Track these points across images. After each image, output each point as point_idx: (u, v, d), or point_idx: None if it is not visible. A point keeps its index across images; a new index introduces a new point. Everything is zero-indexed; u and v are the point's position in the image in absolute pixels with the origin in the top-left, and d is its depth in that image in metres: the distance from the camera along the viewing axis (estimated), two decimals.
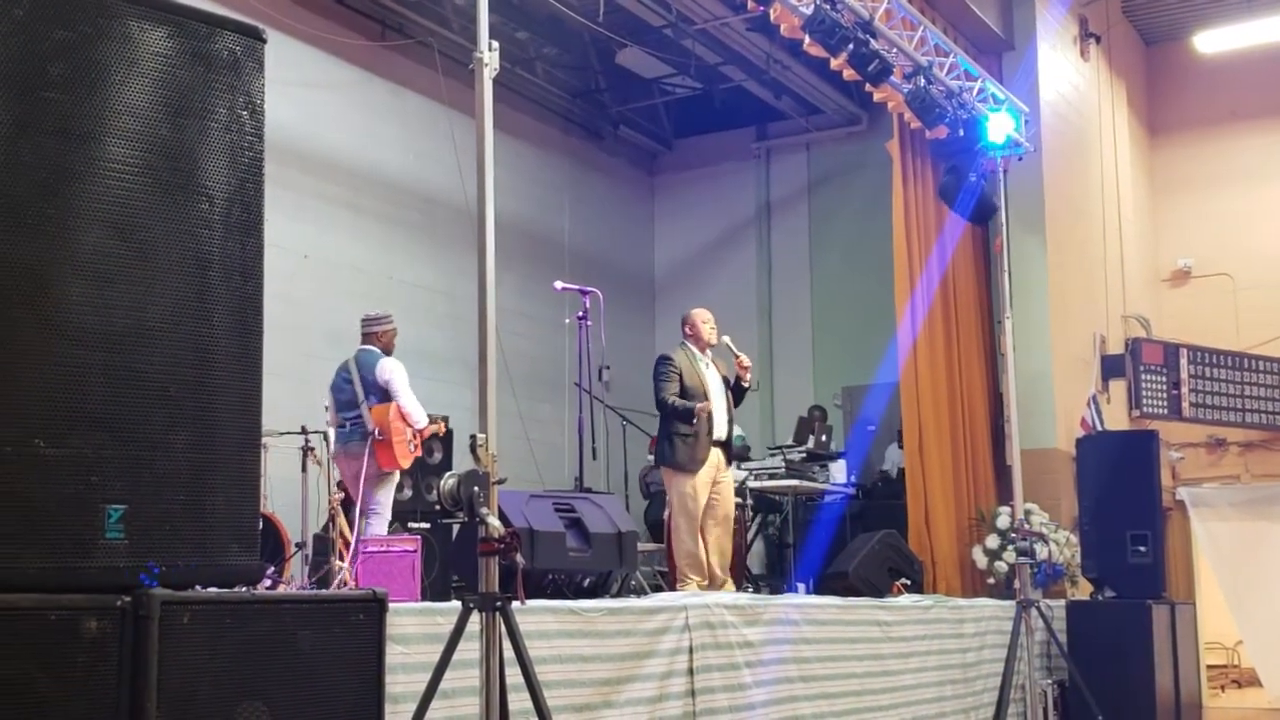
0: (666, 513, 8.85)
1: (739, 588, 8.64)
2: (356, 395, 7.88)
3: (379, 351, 8.05)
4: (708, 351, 8.07)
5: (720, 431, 7.90)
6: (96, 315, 3.07)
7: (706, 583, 7.76)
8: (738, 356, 8.09)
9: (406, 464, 7.91)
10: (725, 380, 8.08)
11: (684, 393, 7.80)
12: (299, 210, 10.49)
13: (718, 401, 7.91)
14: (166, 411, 3.17)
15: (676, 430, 7.78)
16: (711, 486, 7.87)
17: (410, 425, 7.87)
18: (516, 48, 12.60)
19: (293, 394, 9.05)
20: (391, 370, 7.93)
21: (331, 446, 8.03)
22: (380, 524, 7.75)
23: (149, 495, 3.11)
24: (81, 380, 3.03)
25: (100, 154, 3.11)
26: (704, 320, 8.09)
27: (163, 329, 3.19)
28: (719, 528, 7.93)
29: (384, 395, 7.88)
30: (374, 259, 11.44)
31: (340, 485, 8.18)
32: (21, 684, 2.81)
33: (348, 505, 8.03)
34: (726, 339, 8.17)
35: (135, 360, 3.13)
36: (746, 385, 8.20)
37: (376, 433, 7.72)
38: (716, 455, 7.89)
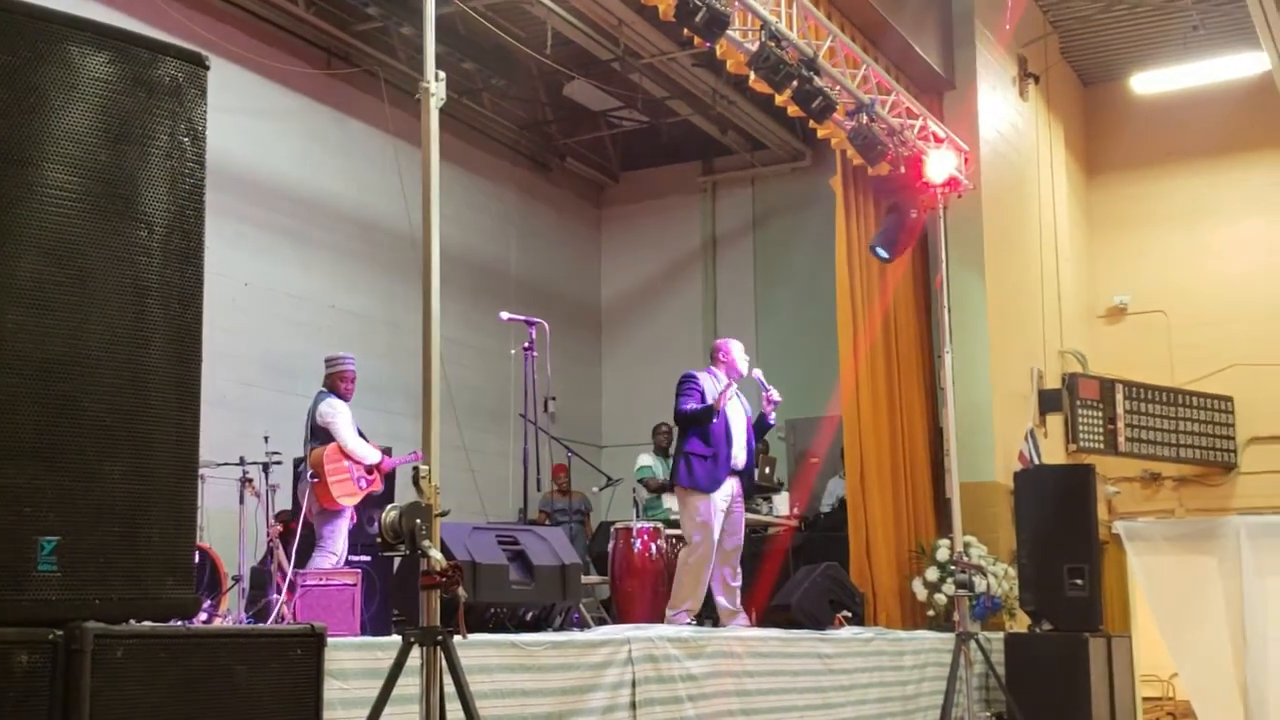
0: (611, 544, 8.82)
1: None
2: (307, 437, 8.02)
3: (326, 393, 8.15)
4: (733, 385, 8.03)
5: (737, 461, 7.88)
6: (32, 342, 3.01)
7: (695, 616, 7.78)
8: (766, 390, 8.05)
9: (349, 501, 7.95)
10: (748, 413, 8.09)
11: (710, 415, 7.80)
12: (240, 238, 10.42)
13: (738, 431, 7.90)
14: (102, 441, 3.11)
15: (694, 450, 7.76)
16: (725, 516, 7.85)
17: (359, 463, 7.92)
18: (464, 78, 12.60)
19: (231, 424, 8.97)
20: (330, 413, 8.00)
21: None
22: (324, 558, 7.75)
23: (83, 527, 3.05)
24: (15, 409, 2.97)
25: (38, 179, 3.07)
26: (738, 350, 8.11)
27: (99, 357, 3.14)
28: (727, 560, 7.92)
29: (328, 436, 7.95)
30: (316, 288, 11.36)
31: (278, 518, 8.14)
32: None
33: (286, 538, 7.97)
34: (757, 372, 8.17)
35: (71, 389, 3.07)
36: (771, 423, 8.17)
37: (309, 474, 7.79)
38: (733, 483, 7.88)
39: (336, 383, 8.15)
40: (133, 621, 3.13)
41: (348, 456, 7.91)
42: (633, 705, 6.05)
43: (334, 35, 11.52)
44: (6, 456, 2.94)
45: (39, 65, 3.10)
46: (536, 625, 6.65)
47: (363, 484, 7.99)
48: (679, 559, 7.97)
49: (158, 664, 3.07)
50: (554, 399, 8.91)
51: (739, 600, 8.07)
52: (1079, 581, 9.71)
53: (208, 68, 3.47)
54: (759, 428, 8.14)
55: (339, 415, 7.99)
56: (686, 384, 7.91)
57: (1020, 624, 10.56)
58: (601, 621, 8.08)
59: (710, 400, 7.80)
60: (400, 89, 11.46)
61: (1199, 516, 13.33)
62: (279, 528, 8.00)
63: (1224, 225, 14.09)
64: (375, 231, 11.82)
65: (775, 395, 8.05)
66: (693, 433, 7.82)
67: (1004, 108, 12.64)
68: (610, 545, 8.82)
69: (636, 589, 8.47)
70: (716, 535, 7.75)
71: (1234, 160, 14.11)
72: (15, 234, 3.02)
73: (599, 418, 14.84)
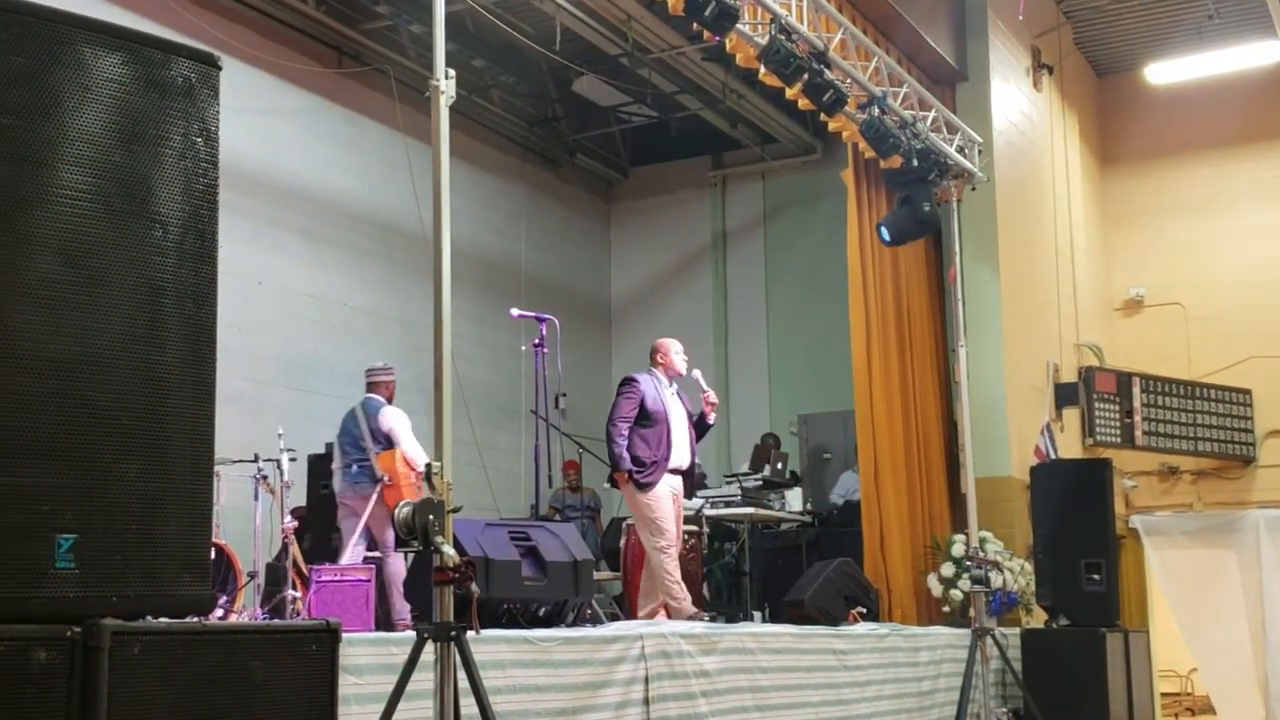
0: (623, 540, 8.84)
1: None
2: (364, 441, 8.17)
3: (382, 400, 8.36)
4: (674, 382, 8.06)
5: (679, 461, 7.86)
6: (48, 343, 3.03)
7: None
8: (705, 391, 8.07)
9: None
10: (689, 413, 8.06)
11: (645, 416, 7.76)
12: (253, 237, 10.45)
13: (680, 432, 7.89)
14: (118, 440, 3.13)
15: (638, 453, 7.72)
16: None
17: (414, 469, 8.08)
18: (473, 76, 12.62)
19: (246, 422, 8.99)
20: (394, 419, 8.18)
21: (338, 485, 8.31)
22: (397, 560, 7.87)
23: (100, 524, 3.07)
24: (32, 408, 2.99)
25: (53, 180, 3.08)
26: (676, 350, 8.09)
27: (115, 357, 3.15)
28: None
29: (388, 442, 8.10)
30: (329, 286, 11.39)
31: (294, 514, 8.17)
32: None
33: (300, 534, 8.00)
34: (696, 373, 8.20)
35: (87, 388, 3.09)
36: (711, 423, 8.16)
37: (386, 478, 7.95)
38: (675, 482, 7.86)
39: (392, 390, 8.44)
40: (149, 618, 3.15)
41: (407, 463, 8.05)
42: (646, 701, 6.05)
43: (344, 34, 11.54)
44: (24, 455, 2.96)
45: (53, 67, 3.11)
46: (549, 621, 6.66)
47: (419, 488, 8.15)
48: (653, 562, 7.84)
49: (174, 660, 3.08)
50: (565, 395, 8.93)
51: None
52: (1096, 576, 9.68)
53: (220, 68, 3.48)
54: (699, 428, 8.11)
55: (404, 422, 8.19)
56: (624, 388, 7.88)
57: (1037, 619, 10.54)
58: (614, 617, 8.08)
59: (650, 403, 7.75)
60: (410, 87, 11.46)
61: (1217, 510, 13.26)
62: (294, 524, 8.03)
63: (1241, 215, 14.04)
64: (387, 229, 11.85)
65: (713, 396, 8.08)
66: (636, 434, 7.77)
67: (1017, 99, 12.61)
68: (622, 541, 8.83)
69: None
70: (670, 519, 7.71)
71: (1250, 150, 14.05)
72: (31, 235, 3.04)
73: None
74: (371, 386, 8.49)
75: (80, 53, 3.17)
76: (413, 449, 8.10)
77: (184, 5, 9.90)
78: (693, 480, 8.14)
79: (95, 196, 3.15)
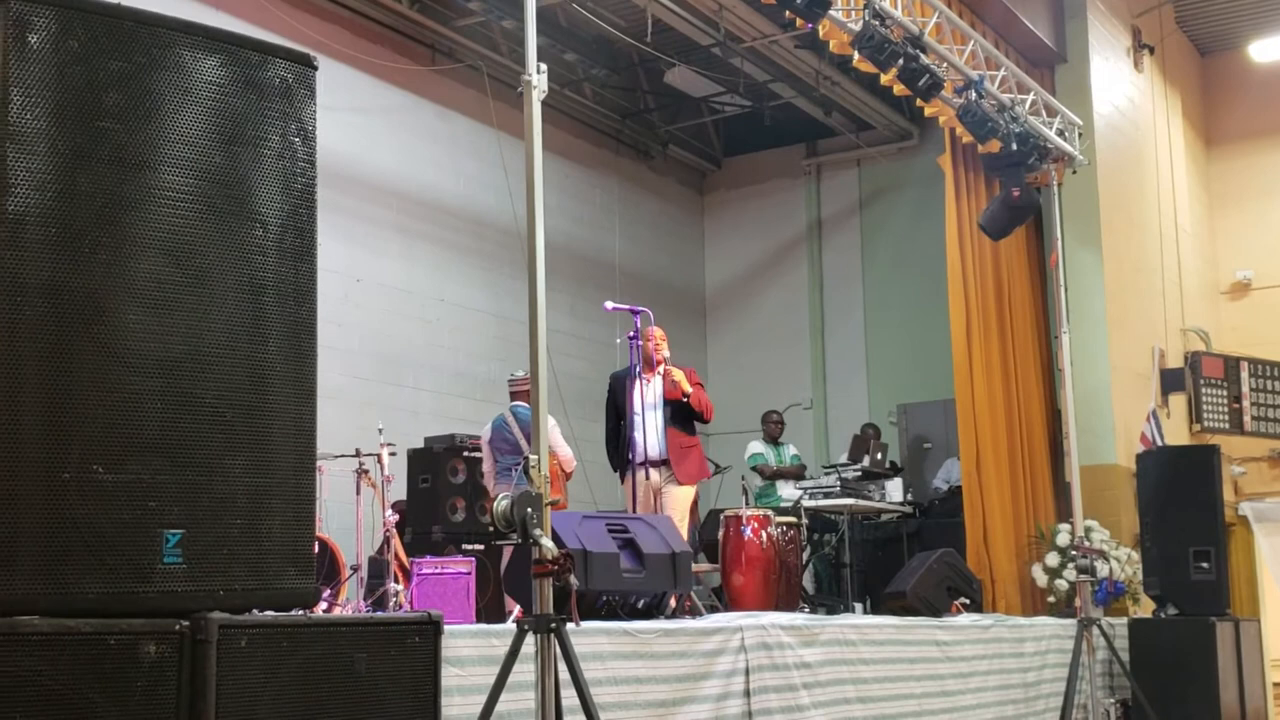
0: (721, 532, 8.83)
1: (795, 608, 8.58)
2: (523, 446, 8.43)
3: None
4: (661, 367, 8.08)
5: (645, 452, 7.86)
6: (153, 341, 3.09)
7: None
8: (671, 373, 8.09)
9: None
10: (681, 397, 8.03)
11: (618, 410, 8.03)
12: (351, 234, 10.58)
13: (648, 421, 7.89)
14: (223, 436, 3.18)
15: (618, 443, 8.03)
16: (654, 505, 7.86)
17: (565, 469, 8.39)
18: (565, 69, 12.65)
19: (346, 417, 9.13)
20: (552, 425, 8.31)
21: (492, 486, 8.69)
22: None
23: (206, 520, 3.12)
24: (139, 406, 3.05)
25: (155, 182, 3.14)
26: (648, 338, 8.17)
27: (218, 354, 3.20)
28: None
29: None
30: (425, 282, 11.50)
31: (395, 508, 8.27)
32: (82, 708, 2.82)
33: (401, 528, 8.09)
34: (666, 354, 8.24)
35: (191, 385, 3.14)
36: (680, 399, 8.04)
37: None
38: (654, 475, 7.87)
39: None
40: (255, 611, 3.20)
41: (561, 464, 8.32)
42: (747, 693, 6.03)
43: (437, 31, 11.64)
44: (131, 453, 3.02)
45: (153, 71, 3.17)
46: (648, 613, 6.66)
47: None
48: None
49: (280, 653, 3.13)
50: None
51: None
52: (1205, 564, 9.48)
53: (316, 68, 3.52)
54: (686, 409, 8.08)
55: (556, 428, 8.28)
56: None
57: (1145, 609, 10.35)
58: (713, 609, 8.06)
59: (617, 401, 8.03)
60: (503, 82, 11.53)
61: None
62: (395, 518, 8.12)
63: None
64: (481, 225, 11.93)
65: (676, 374, 8.05)
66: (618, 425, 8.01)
67: (1118, 80, 12.34)
68: (720, 533, 8.79)
69: (747, 577, 8.43)
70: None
71: None
72: (135, 236, 3.10)
73: None
74: (516, 395, 8.91)
75: (179, 56, 3.22)
76: (565, 453, 8.37)
77: (279, 6, 10.05)
78: (654, 466, 8.01)
79: (196, 197, 3.21)
